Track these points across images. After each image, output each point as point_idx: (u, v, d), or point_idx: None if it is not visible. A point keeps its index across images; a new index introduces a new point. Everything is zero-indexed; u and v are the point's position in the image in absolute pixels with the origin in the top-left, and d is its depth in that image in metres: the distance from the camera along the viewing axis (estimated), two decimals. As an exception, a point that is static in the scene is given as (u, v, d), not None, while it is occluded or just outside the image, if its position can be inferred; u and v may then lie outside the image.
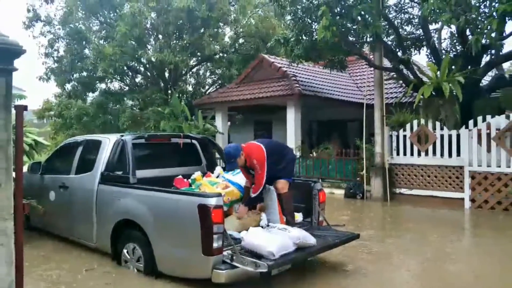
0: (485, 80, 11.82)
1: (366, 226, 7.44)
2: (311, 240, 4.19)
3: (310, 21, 10.34)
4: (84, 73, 18.01)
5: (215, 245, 3.80)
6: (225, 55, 18.23)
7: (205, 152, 6.44)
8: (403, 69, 10.89)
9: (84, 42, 17.79)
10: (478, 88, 10.53)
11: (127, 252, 4.64)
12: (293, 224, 4.66)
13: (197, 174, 5.34)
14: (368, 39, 10.47)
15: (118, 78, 19.20)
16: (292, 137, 12.74)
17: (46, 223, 6.09)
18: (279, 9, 11.39)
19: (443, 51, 11.30)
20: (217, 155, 7.10)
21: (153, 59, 16.88)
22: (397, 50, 11.21)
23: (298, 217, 5.00)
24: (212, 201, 3.85)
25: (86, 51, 18.01)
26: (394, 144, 10.00)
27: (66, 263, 5.07)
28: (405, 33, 11.90)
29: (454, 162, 9.01)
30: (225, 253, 3.88)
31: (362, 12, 9.19)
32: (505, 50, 10.45)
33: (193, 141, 6.33)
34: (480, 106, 10.37)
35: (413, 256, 5.54)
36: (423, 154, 9.48)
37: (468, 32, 9.65)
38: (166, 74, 18.44)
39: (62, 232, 5.83)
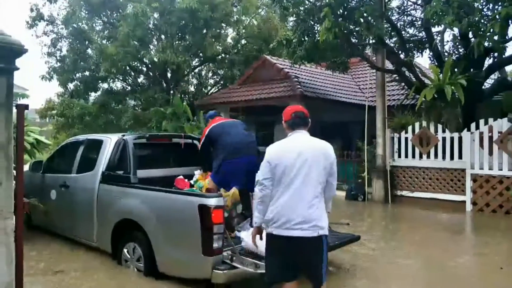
0: (488, 83, 11.78)
1: (366, 228, 7.42)
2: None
3: (312, 23, 10.34)
4: (87, 73, 18.03)
5: (215, 245, 3.80)
6: (228, 56, 18.22)
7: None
8: (405, 71, 10.86)
9: (87, 42, 17.80)
10: (480, 91, 10.48)
11: (127, 251, 4.64)
12: None
13: (199, 174, 5.35)
14: (370, 41, 10.45)
15: (121, 78, 19.20)
16: (293, 138, 12.70)
17: (47, 222, 6.10)
18: (281, 11, 11.39)
19: (446, 54, 11.25)
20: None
21: (155, 59, 16.86)
22: (400, 52, 11.18)
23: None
24: (212, 202, 3.85)
25: (89, 50, 18.03)
26: (396, 146, 9.98)
27: (64, 261, 5.08)
28: (408, 35, 11.86)
29: (456, 165, 8.99)
30: (225, 253, 3.88)
31: (365, 14, 9.18)
32: (508, 53, 10.43)
33: (195, 141, 6.32)
34: (482, 109, 10.34)
35: (413, 258, 5.53)
36: (424, 156, 9.46)
37: (470, 35, 9.62)
38: (169, 75, 18.44)
39: (63, 231, 5.85)
